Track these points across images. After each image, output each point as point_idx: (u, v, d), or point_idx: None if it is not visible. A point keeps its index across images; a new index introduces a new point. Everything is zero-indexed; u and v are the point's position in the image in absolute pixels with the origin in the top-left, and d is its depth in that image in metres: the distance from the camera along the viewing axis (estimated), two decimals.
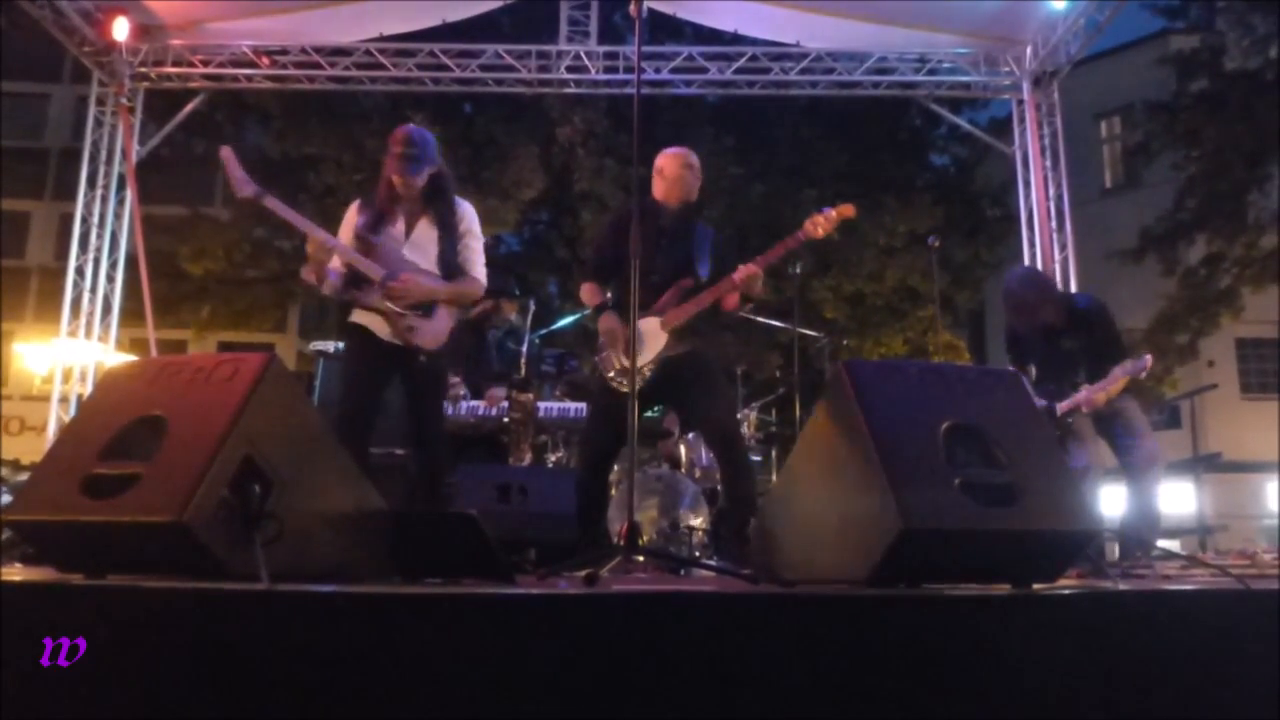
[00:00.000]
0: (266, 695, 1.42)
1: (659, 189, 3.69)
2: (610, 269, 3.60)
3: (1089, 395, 4.01)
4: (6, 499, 4.96)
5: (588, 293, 3.67)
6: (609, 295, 3.60)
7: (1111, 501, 4.91)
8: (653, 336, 3.48)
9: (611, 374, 3.50)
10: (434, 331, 3.40)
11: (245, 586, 1.57)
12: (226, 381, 1.92)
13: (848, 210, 3.54)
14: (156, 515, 1.72)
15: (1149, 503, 4.06)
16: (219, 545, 1.75)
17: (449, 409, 5.27)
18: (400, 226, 3.46)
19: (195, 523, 1.71)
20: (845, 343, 9.09)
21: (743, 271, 3.43)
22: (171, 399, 1.92)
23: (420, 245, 3.46)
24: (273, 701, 1.42)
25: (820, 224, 3.49)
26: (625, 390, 2.87)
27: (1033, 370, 4.30)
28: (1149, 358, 4.02)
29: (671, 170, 3.66)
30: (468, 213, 3.59)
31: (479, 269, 3.56)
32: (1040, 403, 4.03)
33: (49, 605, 1.55)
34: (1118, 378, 3.97)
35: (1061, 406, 4.06)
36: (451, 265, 3.46)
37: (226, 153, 3.28)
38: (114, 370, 2.16)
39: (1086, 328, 4.17)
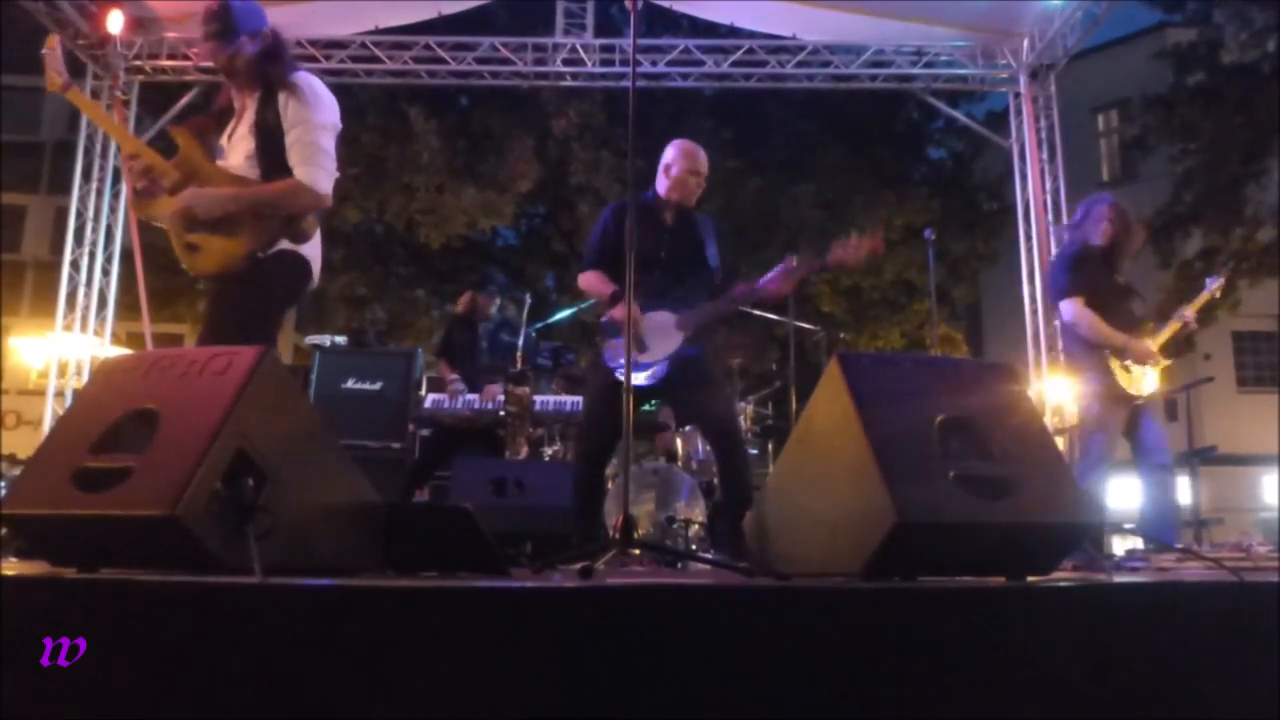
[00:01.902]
0: (259, 690, 1.42)
1: (662, 184, 3.64)
2: (613, 259, 3.51)
3: (1186, 313, 4.43)
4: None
5: (593, 280, 3.57)
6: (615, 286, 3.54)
7: (1128, 494, 4.93)
8: (667, 334, 3.42)
9: (616, 365, 3.43)
10: (223, 252, 2.62)
11: (238, 580, 1.57)
12: (220, 375, 1.91)
13: (878, 245, 3.39)
14: (148, 508, 1.71)
15: (1167, 491, 4.17)
16: (212, 539, 1.74)
17: (445, 403, 5.28)
18: (232, 125, 2.74)
19: (187, 516, 1.70)
20: (842, 336, 9.07)
21: (774, 291, 3.48)
22: (164, 392, 1.91)
23: (236, 143, 2.71)
24: (265, 696, 1.41)
25: (851, 253, 3.34)
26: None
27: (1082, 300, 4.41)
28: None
29: (678, 172, 3.61)
30: (299, 90, 2.65)
31: (307, 167, 2.62)
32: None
33: (42, 600, 1.54)
34: (1202, 292, 4.57)
35: (1160, 336, 4.31)
36: (270, 163, 2.64)
37: (52, 41, 2.78)
38: (107, 363, 2.14)
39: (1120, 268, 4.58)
